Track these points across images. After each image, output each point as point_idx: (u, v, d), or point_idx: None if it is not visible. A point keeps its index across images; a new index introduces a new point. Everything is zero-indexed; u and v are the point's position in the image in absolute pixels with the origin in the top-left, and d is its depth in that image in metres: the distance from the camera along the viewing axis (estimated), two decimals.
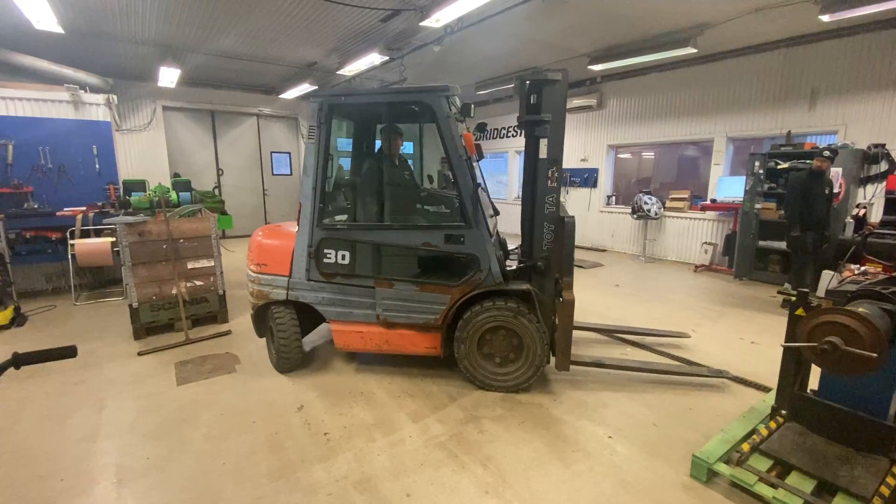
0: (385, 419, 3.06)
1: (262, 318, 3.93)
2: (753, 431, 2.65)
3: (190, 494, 2.35)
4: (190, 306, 4.67)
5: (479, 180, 3.98)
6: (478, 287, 3.35)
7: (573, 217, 3.20)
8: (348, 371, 3.79)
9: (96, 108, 6.75)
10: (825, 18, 5.21)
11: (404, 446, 2.76)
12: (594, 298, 5.96)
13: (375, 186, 3.70)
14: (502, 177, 13.25)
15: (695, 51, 6.41)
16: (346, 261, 3.55)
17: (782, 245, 6.21)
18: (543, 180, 3.26)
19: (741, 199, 6.85)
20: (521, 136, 11.52)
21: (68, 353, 1.26)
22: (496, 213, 4.24)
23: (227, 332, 4.66)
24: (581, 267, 7.85)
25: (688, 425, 2.99)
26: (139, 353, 4.13)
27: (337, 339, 3.69)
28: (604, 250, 9.56)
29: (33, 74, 6.77)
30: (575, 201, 10.30)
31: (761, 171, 6.57)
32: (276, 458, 2.64)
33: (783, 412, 2.64)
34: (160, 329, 4.64)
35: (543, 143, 3.23)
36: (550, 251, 3.30)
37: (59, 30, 5.39)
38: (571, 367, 3.36)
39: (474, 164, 3.59)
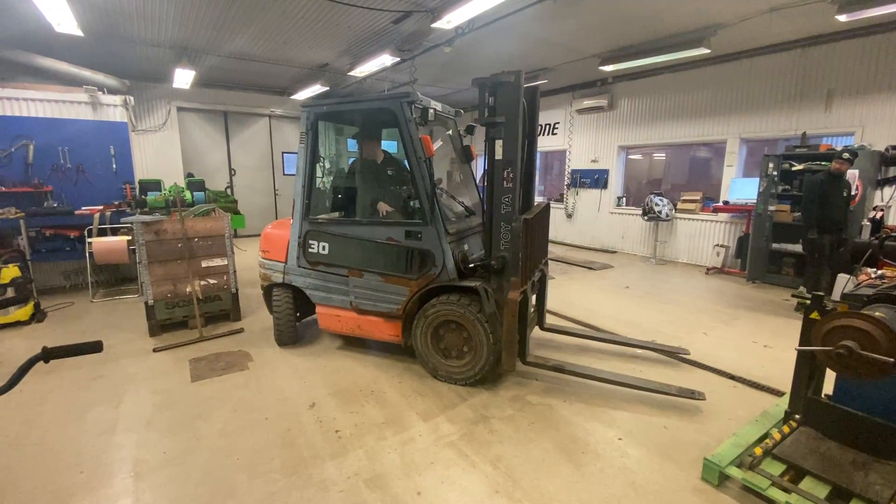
0: (396, 418, 3.09)
1: (269, 297, 4.37)
2: (766, 436, 2.64)
3: (205, 489, 2.40)
4: (204, 304, 4.74)
5: (476, 181, 4.03)
6: (433, 282, 3.55)
7: (520, 218, 3.21)
8: (359, 370, 3.83)
9: (113, 109, 6.88)
10: (842, 18, 5.14)
11: (415, 445, 2.79)
12: (604, 300, 5.93)
13: (350, 185, 4.13)
14: None
15: (708, 51, 6.36)
16: (326, 251, 3.96)
17: (797, 248, 6.14)
18: (499, 181, 3.33)
19: (754, 201, 6.77)
20: None
21: (95, 347, 1.30)
22: (471, 213, 4.38)
23: (240, 331, 4.73)
24: (591, 269, 7.82)
25: (699, 428, 2.97)
26: (154, 350, 4.21)
27: (320, 321, 4.15)
28: (614, 252, 9.51)
29: (53, 76, 6.92)
30: (585, 202, 10.26)
31: (775, 173, 6.49)
32: (288, 455, 2.68)
33: (797, 417, 2.61)
34: (175, 326, 4.73)
35: (499, 145, 3.30)
36: (507, 251, 3.33)
37: (79, 33, 5.51)
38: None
39: (469, 165, 3.60)
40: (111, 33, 6.38)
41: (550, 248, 9.92)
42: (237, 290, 4.99)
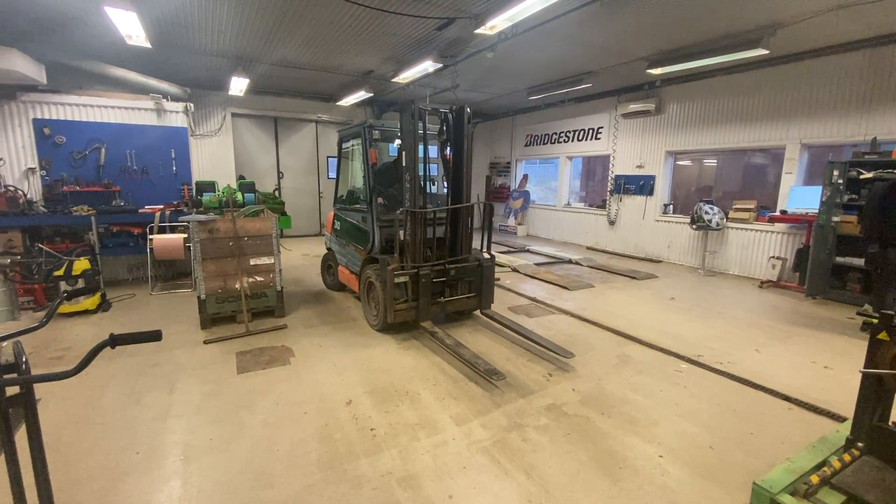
0: (429, 420, 3.11)
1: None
2: (824, 463, 2.44)
3: (247, 476, 2.51)
4: (251, 300, 4.97)
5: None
6: (369, 254, 5.02)
7: (400, 210, 4.50)
8: (395, 371, 3.89)
9: (175, 116, 7.39)
10: None
11: (447, 448, 2.80)
12: (647, 312, 5.72)
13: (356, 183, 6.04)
14: (552, 182, 13.02)
15: (766, 52, 6.02)
16: (339, 227, 6.05)
17: (863, 262, 5.67)
18: (403, 183, 4.57)
19: (816, 211, 6.33)
20: (571, 141, 11.33)
21: (155, 336, 1.40)
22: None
23: (283, 327, 4.92)
24: (634, 278, 7.57)
25: (748, 451, 2.81)
26: (205, 342, 4.46)
27: (339, 276, 6.11)
28: (659, 261, 9.15)
29: (123, 85, 7.50)
30: (629, 209, 9.95)
31: (840, 181, 6.04)
32: (325, 449, 2.76)
33: (859, 444, 2.41)
34: (223, 320, 4.99)
35: (404, 156, 4.54)
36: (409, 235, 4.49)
37: (147, 45, 5.94)
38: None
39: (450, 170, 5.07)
40: (176, 45, 6.84)
41: (590, 254, 9.72)
42: (282, 287, 5.20)
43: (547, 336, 4.47)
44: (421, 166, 4.67)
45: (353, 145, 6.07)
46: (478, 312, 5.11)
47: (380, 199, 5.09)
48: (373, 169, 5.16)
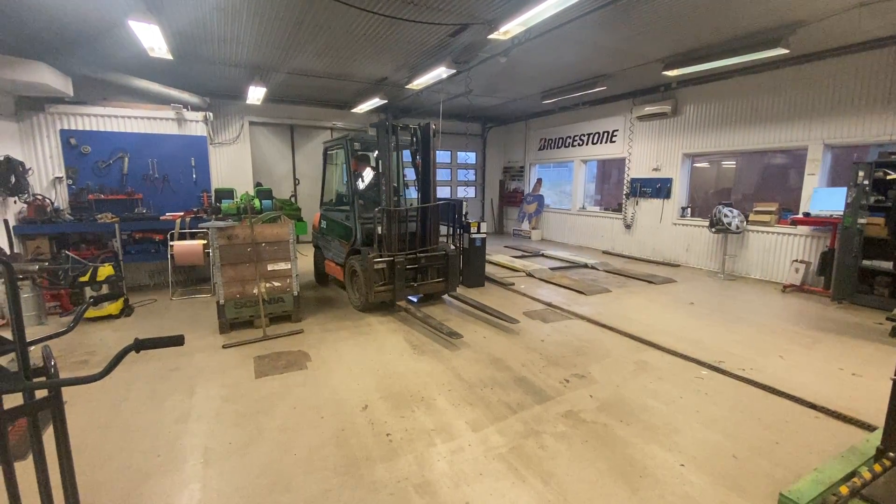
0: (445, 425, 3.10)
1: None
2: (854, 474, 2.36)
3: (265, 480, 2.53)
4: (268, 305, 5.04)
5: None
6: (352, 246, 5.82)
7: (378, 209, 5.44)
8: (410, 376, 3.89)
9: (195, 125, 7.58)
10: None
11: (464, 454, 2.78)
12: (665, 316, 5.62)
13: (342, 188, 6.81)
14: (567, 186, 12.93)
15: (786, 51, 5.90)
16: (325, 225, 6.85)
17: (891, 265, 5.49)
18: (380, 186, 5.54)
19: (840, 213, 6.15)
20: (586, 144, 11.26)
21: (178, 341, 1.43)
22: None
23: (300, 331, 4.97)
24: (651, 282, 7.45)
25: (773, 460, 2.72)
26: (224, 346, 4.53)
27: (325, 268, 6.90)
28: (677, 265, 8.99)
29: (146, 95, 7.72)
30: (645, 213, 9.81)
31: (867, 182, 5.86)
32: (342, 454, 2.77)
33: (890, 454, 2.32)
34: (241, 325, 5.06)
35: (380, 165, 5.58)
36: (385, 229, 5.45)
37: (169, 56, 6.11)
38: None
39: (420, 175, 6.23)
40: (196, 56, 7.02)
41: (606, 259, 9.64)
42: (298, 292, 5.25)
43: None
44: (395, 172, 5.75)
45: (337, 153, 6.99)
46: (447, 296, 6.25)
47: (360, 201, 5.91)
48: (355, 175, 6.12)
